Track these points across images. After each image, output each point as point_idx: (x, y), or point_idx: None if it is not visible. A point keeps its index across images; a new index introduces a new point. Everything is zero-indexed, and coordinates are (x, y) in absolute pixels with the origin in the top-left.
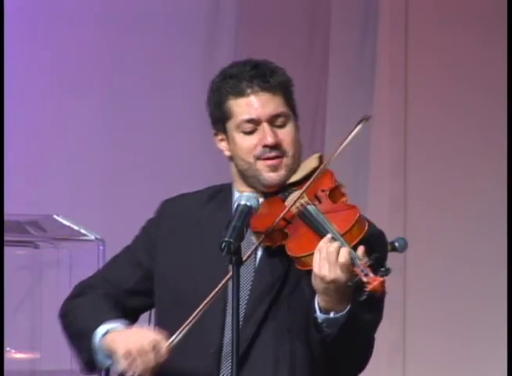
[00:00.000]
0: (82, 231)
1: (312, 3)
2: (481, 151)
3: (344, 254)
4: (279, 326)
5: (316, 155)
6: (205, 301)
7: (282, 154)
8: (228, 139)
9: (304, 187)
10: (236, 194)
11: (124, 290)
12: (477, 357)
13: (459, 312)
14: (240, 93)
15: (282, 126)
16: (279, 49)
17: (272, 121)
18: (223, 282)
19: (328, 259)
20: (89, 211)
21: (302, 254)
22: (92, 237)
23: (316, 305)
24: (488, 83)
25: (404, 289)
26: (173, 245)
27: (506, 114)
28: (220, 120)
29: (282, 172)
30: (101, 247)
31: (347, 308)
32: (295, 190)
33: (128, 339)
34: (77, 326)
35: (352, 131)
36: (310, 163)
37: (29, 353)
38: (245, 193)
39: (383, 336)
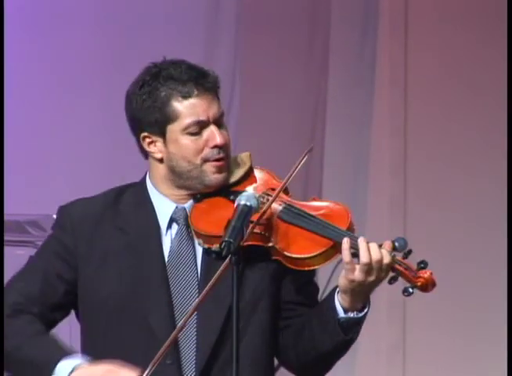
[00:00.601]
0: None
1: (312, 3)
2: (481, 151)
3: (387, 255)
4: (245, 323)
5: (247, 153)
6: (179, 326)
7: (226, 155)
8: (165, 141)
9: (277, 192)
10: (156, 196)
11: (47, 305)
12: (477, 357)
13: (459, 311)
14: (187, 95)
15: (222, 126)
16: (279, 49)
17: (217, 121)
18: (196, 302)
19: (374, 267)
20: None
21: (309, 255)
22: None
23: (338, 306)
24: (488, 83)
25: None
26: (98, 254)
27: (506, 114)
28: (158, 122)
29: (225, 173)
30: None
31: (368, 306)
32: (237, 191)
33: None
34: (25, 361)
35: (300, 161)
36: (242, 163)
37: None
38: (244, 193)
39: (383, 336)
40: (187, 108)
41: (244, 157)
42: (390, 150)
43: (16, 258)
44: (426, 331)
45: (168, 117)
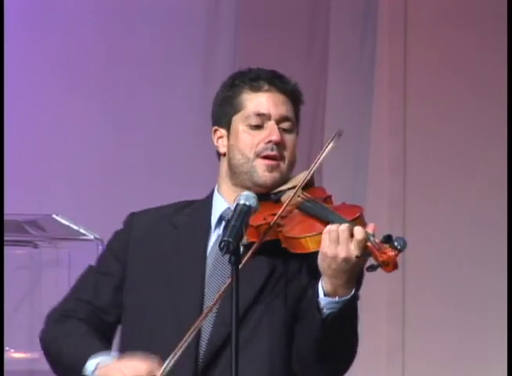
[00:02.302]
0: (81, 231)
1: (312, 3)
2: (481, 151)
3: (360, 230)
4: (256, 328)
5: (302, 173)
6: (200, 319)
7: (281, 157)
8: (229, 133)
9: (299, 185)
10: (217, 197)
11: (99, 307)
12: (477, 357)
13: (458, 311)
14: (257, 88)
15: (287, 131)
16: (279, 49)
17: (280, 121)
18: (218, 295)
19: (340, 238)
20: (89, 211)
21: (303, 235)
22: (92, 237)
23: (320, 289)
24: (488, 83)
25: (403, 288)
26: (147, 251)
27: (506, 114)
28: (227, 114)
29: (276, 175)
30: (100, 247)
31: (352, 292)
32: (285, 190)
33: (121, 371)
34: (64, 363)
35: (327, 145)
36: (299, 176)
37: (28, 353)
38: (244, 193)
39: (382, 336)
40: (253, 100)
41: (304, 173)
42: (389, 149)
43: (16, 258)
44: (425, 331)
45: (235, 108)
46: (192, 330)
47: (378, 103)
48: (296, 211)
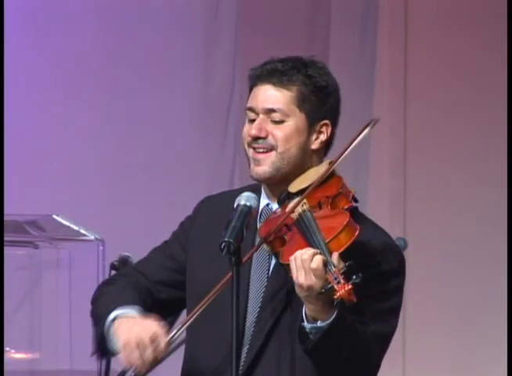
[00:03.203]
0: (82, 231)
1: (312, 3)
2: (481, 151)
3: (317, 259)
4: (284, 334)
5: (327, 161)
6: (206, 299)
7: (268, 148)
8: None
9: (305, 194)
10: (264, 189)
11: (153, 281)
12: (477, 357)
13: (458, 312)
14: (256, 81)
15: (278, 122)
16: (279, 49)
17: (267, 114)
18: (224, 280)
19: (303, 266)
20: (89, 211)
21: (287, 263)
22: (92, 237)
23: (303, 314)
24: (488, 84)
25: (403, 289)
26: (205, 239)
27: (506, 114)
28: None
29: (265, 168)
30: (100, 247)
31: (333, 316)
32: (298, 195)
33: (129, 329)
34: (97, 312)
35: (360, 133)
36: (319, 168)
37: (29, 353)
38: (244, 194)
39: None
40: (251, 94)
41: (325, 163)
42: (389, 150)
43: (16, 258)
44: (426, 331)
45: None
46: (199, 305)
47: (378, 103)
48: (294, 226)
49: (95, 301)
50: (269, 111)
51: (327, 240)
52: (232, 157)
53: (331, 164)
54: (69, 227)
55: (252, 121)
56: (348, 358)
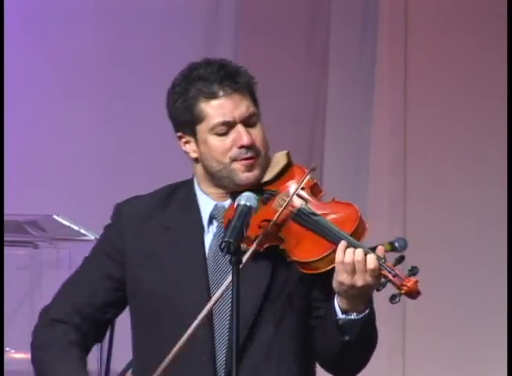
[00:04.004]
0: (82, 231)
1: (312, 3)
2: (481, 151)
3: (373, 260)
4: (268, 329)
5: (284, 152)
6: (193, 325)
7: (256, 154)
8: (197, 141)
9: (293, 191)
10: (200, 195)
11: (97, 307)
12: (477, 357)
13: (459, 312)
14: (213, 95)
15: (253, 126)
16: (279, 49)
17: (245, 121)
18: (217, 296)
19: (357, 269)
20: (89, 211)
21: (312, 259)
22: (92, 237)
23: (337, 308)
24: (488, 84)
25: None
26: (143, 252)
27: (506, 114)
28: (188, 122)
29: (257, 172)
30: None
31: (368, 308)
32: (272, 192)
33: None
34: (42, 368)
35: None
36: (279, 161)
37: (28, 353)
38: (244, 194)
39: (383, 336)
40: (213, 109)
41: (281, 155)
42: (390, 149)
43: (16, 258)
44: (426, 331)
45: (196, 118)
46: (192, 328)
47: (378, 103)
48: (292, 222)
49: (37, 350)
50: (248, 118)
51: (350, 234)
52: None
53: (288, 154)
54: (69, 227)
55: (223, 134)
56: (373, 345)
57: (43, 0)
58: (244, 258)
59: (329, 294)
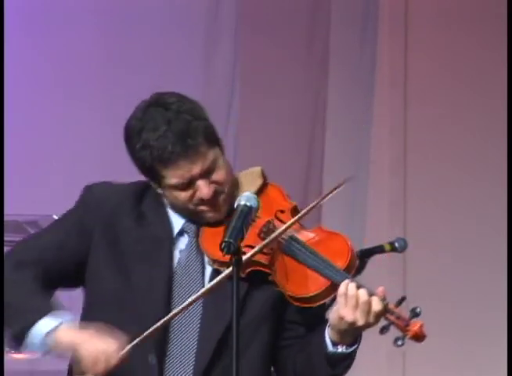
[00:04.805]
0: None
1: (312, 3)
2: (481, 151)
3: (377, 302)
4: (230, 355)
5: (258, 170)
6: (175, 311)
7: (220, 194)
8: (161, 187)
9: (285, 226)
10: (172, 213)
11: (54, 271)
12: (477, 357)
13: (459, 312)
14: (166, 161)
15: (214, 170)
16: (279, 49)
17: (204, 174)
18: (204, 289)
19: (361, 309)
20: None
21: (308, 295)
22: None
23: (328, 340)
24: (488, 83)
25: (403, 289)
26: (111, 245)
27: (506, 114)
28: (149, 175)
29: (224, 208)
30: None
31: (358, 342)
32: (256, 217)
33: (90, 341)
34: (17, 301)
35: (333, 190)
36: (253, 180)
37: (29, 353)
38: (244, 194)
39: (383, 337)
40: (169, 171)
41: (256, 174)
42: (390, 149)
43: None
44: (426, 332)
45: (154, 177)
46: (154, 327)
47: (378, 103)
48: (280, 253)
49: (6, 287)
50: (206, 171)
51: (343, 268)
52: (232, 157)
53: (263, 173)
54: None
55: (183, 189)
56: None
57: (43, 0)
58: (215, 280)
59: (307, 319)
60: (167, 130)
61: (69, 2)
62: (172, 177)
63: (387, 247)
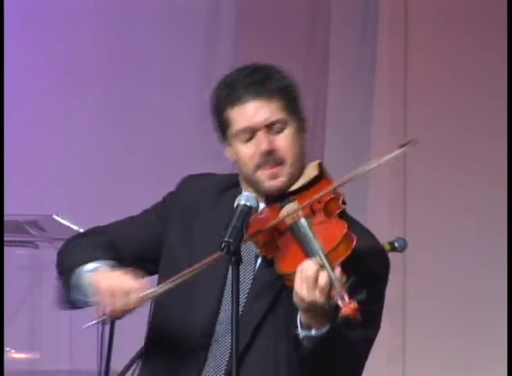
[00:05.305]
0: (81, 231)
1: (312, 3)
2: (481, 151)
3: (324, 277)
4: (274, 332)
5: (315, 162)
6: (192, 268)
7: (280, 162)
8: (231, 146)
9: (303, 204)
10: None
11: (130, 249)
12: (477, 357)
13: (458, 312)
14: (236, 101)
15: (279, 132)
16: (279, 49)
17: (268, 127)
18: (210, 259)
19: (307, 282)
20: (89, 211)
21: (286, 272)
22: None
23: (298, 322)
24: (488, 83)
25: (404, 289)
26: (184, 223)
27: (506, 114)
28: (221, 129)
29: (282, 179)
30: None
31: (328, 325)
32: (293, 200)
33: (107, 280)
34: (67, 261)
35: (392, 153)
36: (310, 171)
37: (29, 353)
38: (244, 193)
39: (383, 336)
40: (236, 115)
41: (312, 165)
42: (389, 149)
43: (16, 258)
44: (426, 332)
45: (223, 124)
46: (187, 271)
47: (378, 102)
48: (288, 233)
49: (63, 251)
50: (271, 124)
51: (326, 251)
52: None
53: (320, 165)
54: (69, 227)
55: (247, 140)
56: (338, 363)
57: (43, 0)
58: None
59: None
60: (247, 76)
61: (69, 2)
62: (238, 122)
63: (387, 247)
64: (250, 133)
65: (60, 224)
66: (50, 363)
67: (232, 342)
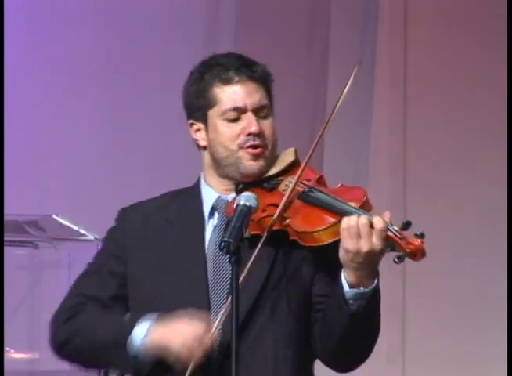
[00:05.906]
0: (81, 231)
1: (312, 3)
2: (481, 151)
3: (379, 220)
4: (272, 309)
5: (292, 149)
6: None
7: (263, 145)
8: (207, 127)
9: (298, 172)
10: (205, 188)
11: (104, 300)
12: (477, 357)
13: (458, 312)
14: (227, 81)
15: (264, 117)
16: (279, 49)
17: (256, 111)
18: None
19: (361, 232)
20: (89, 211)
21: (317, 229)
22: (92, 237)
23: (344, 281)
24: (488, 83)
25: (403, 289)
26: (144, 246)
27: (506, 114)
28: (201, 108)
29: (261, 163)
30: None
31: (376, 280)
32: (280, 180)
33: (178, 332)
34: (98, 345)
35: (348, 80)
36: (286, 157)
37: (28, 353)
38: (244, 194)
39: (382, 336)
40: (226, 94)
41: (288, 152)
42: (389, 149)
43: (16, 258)
44: (425, 332)
45: (209, 102)
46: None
47: (378, 102)
48: (298, 201)
49: (74, 337)
50: (260, 108)
51: (358, 207)
52: None
53: (296, 152)
54: (69, 227)
55: (233, 120)
56: (379, 315)
57: (43, 0)
58: (257, 247)
59: (331, 286)
60: (237, 59)
61: (69, 2)
62: (226, 101)
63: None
64: (238, 113)
65: (60, 224)
66: (50, 363)
67: (232, 342)
